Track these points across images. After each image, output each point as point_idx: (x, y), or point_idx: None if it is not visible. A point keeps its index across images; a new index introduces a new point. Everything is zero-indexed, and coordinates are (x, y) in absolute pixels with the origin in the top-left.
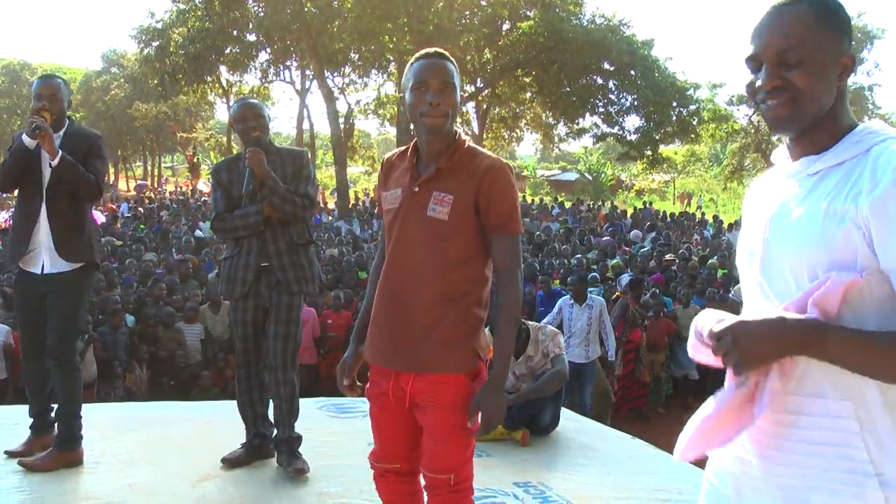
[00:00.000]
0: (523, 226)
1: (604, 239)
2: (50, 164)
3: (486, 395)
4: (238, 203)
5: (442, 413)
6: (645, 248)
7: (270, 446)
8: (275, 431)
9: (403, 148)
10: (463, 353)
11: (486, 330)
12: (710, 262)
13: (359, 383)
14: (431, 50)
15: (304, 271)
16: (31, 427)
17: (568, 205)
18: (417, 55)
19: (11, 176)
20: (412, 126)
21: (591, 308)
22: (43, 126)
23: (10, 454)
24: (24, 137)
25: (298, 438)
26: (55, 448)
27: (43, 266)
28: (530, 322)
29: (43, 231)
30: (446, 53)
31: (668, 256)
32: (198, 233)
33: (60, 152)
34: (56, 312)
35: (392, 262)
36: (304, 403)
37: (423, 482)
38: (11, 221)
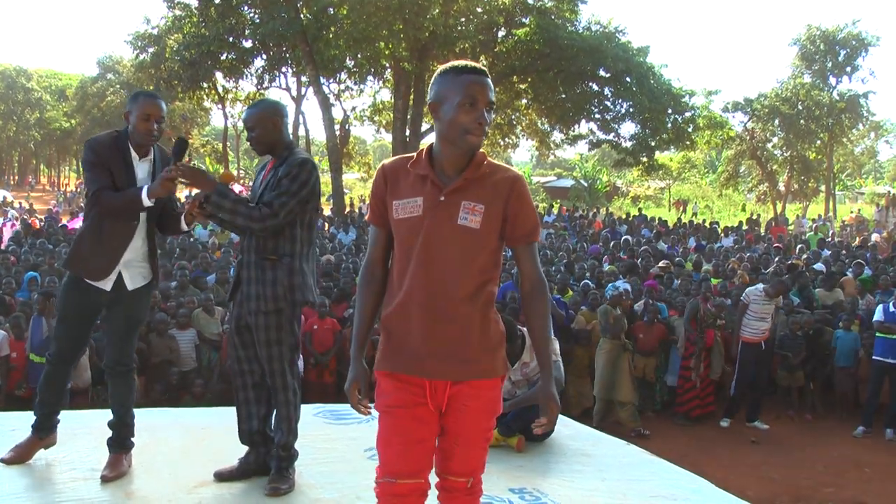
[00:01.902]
0: None
1: (593, 246)
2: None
3: (547, 394)
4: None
5: (475, 417)
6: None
7: (267, 461)
8: (273, 445)
9: (411, 156)
10: (501, 358)
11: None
12: (704, 268)
13: (368, 403)
14: (476, 64)
15: (267, 288)
16: (35, 428)
17: (559, 210)
18: (460, 66)
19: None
20: (445, 135)
21: None
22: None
23: (5, 461)
24: (145, 198)
25: (289, 457)
26: (115, 451)
27: (117, 283)
28: (525, 328)
29: (131, 250)
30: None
31: (661, 263)
32: (191, 239)
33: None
34: (127, 323)
35: (420, 271)
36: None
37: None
38: (87, 235)
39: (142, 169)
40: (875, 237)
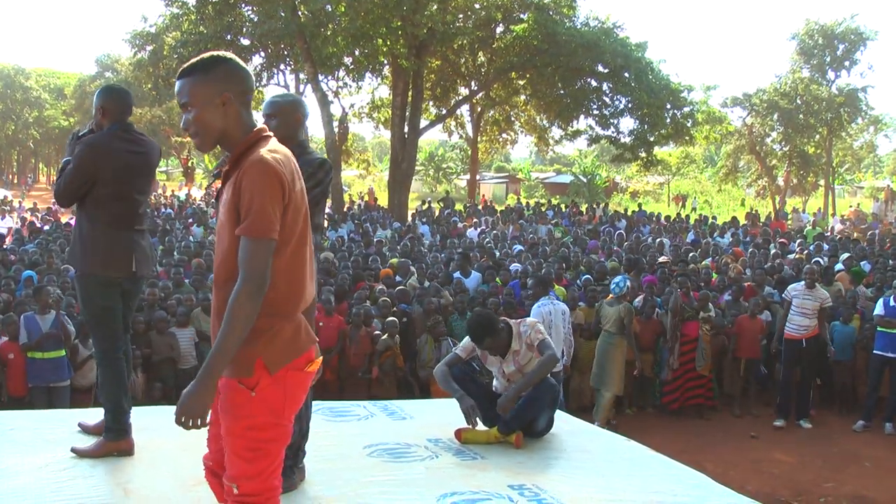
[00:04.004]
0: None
1: (591, 242)
2: None
3: (188, 388)
4: None
5: (222, 417)
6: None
7: None
8: None
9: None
10: (236, 359)
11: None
12: (703, 263)
13: None
14: (186, 65)
15: None
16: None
17: (564, 208)
18: None
19: None
20: None
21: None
22: None
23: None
24: None
25: (293, 456)
26: (101, 436)
27: None
28: (511, 320)
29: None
30: (196, 62)
31: (661, 259)
32: (190, 238)
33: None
34: None
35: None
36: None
37: None
38: None
39: None
40: (838, 226)
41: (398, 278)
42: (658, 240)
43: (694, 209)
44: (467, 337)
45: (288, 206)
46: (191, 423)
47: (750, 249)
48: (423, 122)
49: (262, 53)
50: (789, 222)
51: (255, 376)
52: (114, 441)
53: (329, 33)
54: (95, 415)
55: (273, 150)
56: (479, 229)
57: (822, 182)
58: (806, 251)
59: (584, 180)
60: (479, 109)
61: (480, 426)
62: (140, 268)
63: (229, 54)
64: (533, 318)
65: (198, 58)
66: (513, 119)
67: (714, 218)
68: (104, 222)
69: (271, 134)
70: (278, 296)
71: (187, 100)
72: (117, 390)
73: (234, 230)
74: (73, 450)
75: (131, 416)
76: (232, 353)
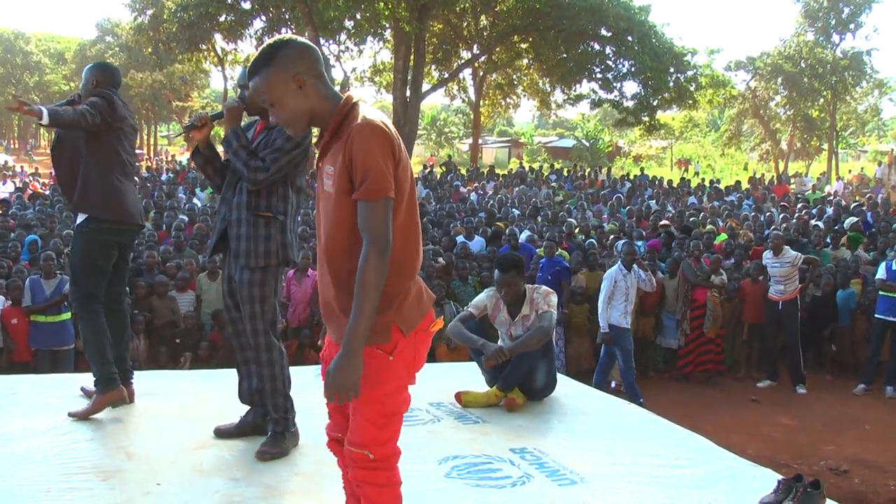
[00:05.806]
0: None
1: (596, 206)
2: (41, 125)
3: (334, 363)
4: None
5: (362, 388)
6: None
7: (265, 423)
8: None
9: None
10: (372, 327)
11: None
12: (708, 227)
13: None
14: (249, 66)
15: (259, 244)
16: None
17: (566, 172)
18: None
19: None
20: None
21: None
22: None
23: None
24: None
25: (284, 420)
26: (95, 392)
27: None
28: (528, 285)
29: None
30: (256, 59)
31: (662, 222)
32: (195, 201)
33: (44, 110)
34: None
35: (317, 238)
36: (302, 371)
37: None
38: None
39: None
40: (840, 189)
41: None
42: (667, 206)
43: (696, 173)
44: (479, 296)
45: (398, 162)
46: (344, 398)
47: (752, 214)
48: (426, 86)
49: (263, 17)
50: (792, 186)
51: (393, 341)
52: (104, 393)
53: None
54: None
55: (372, 112)
56: (479, 193)
57: (825, 146)
58: (805, 214)
59: (587, 144)
60: (481, 73)
61: (480, 387)
62: (135, 217)
63: (286, 36)
64: (605, 279)
65: (257, 53)
66: (515, 83)
67: (716, 181)
68: (110, 168)
69: (360, 99)
70: (401, 255)
71: (266, 97)
72: (99, 341)
73: (347, 199)
74: (70, 414)
75: (133, 379)
76: (372, 318)
